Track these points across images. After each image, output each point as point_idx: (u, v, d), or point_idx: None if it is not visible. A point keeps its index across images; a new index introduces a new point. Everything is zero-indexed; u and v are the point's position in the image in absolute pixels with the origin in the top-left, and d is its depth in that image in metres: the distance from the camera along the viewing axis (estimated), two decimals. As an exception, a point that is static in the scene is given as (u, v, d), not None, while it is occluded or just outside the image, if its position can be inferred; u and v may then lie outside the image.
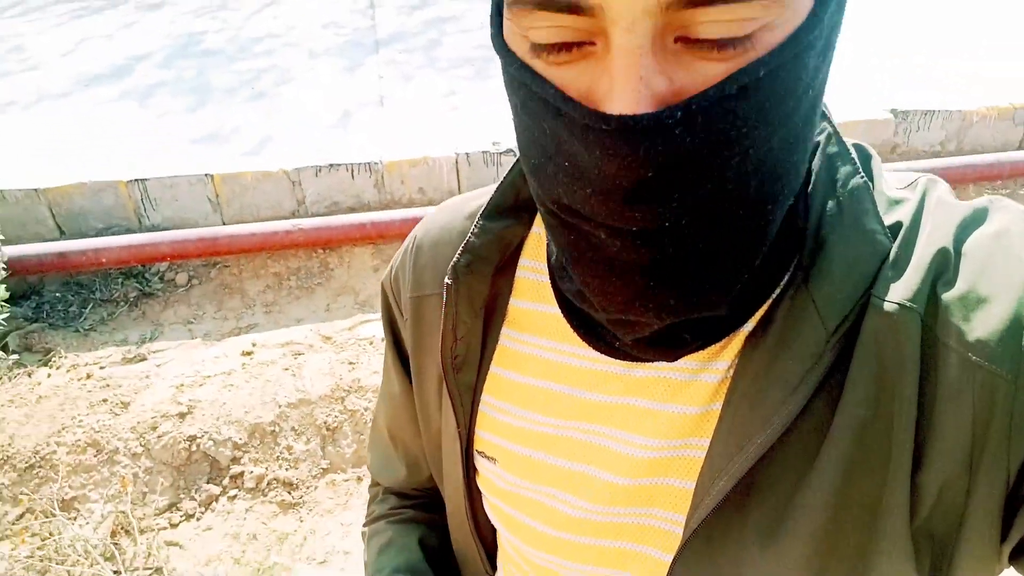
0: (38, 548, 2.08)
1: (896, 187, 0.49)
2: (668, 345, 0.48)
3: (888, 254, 0.45)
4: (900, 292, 0.43)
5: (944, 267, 0.44)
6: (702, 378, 0.49)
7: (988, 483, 0.42)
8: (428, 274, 0.62)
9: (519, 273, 0.59)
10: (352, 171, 3.15)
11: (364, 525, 0.81)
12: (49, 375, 2.61)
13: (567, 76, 0.38)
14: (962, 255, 0.44)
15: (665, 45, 0.36)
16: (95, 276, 3.02)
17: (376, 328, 2.76)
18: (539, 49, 0.38)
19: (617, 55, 0.35)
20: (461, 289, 0.56)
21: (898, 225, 0.46)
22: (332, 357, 2.60)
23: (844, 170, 0.47)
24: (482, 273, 0.57)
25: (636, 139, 0.35)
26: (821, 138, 0.48)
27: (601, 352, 0.52)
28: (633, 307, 0.42)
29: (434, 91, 3.89)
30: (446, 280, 0.56)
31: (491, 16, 0.44)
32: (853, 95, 3.66)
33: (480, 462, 0.61)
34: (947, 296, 0.43)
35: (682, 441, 0.50)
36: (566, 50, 0.38)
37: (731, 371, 0.48)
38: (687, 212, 0.38)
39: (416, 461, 0.75)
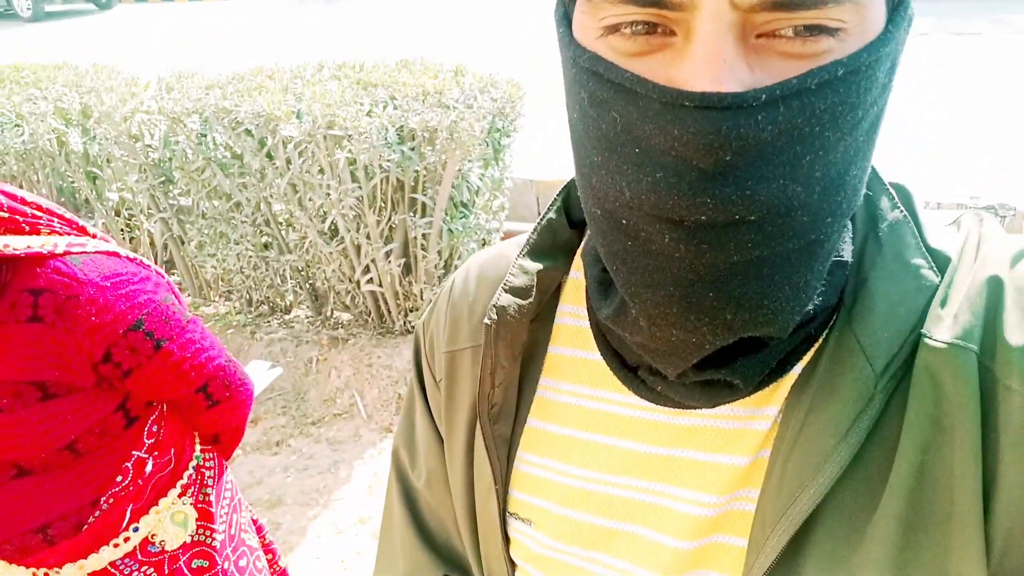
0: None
1: (940, 224, 0.47)
2: (713, 389, 0.45)
3: (936, 289, 0.42)
4: (952, 330, 0.41)
5: (999, 302, 0.41)
6: (753, 425, 0.46)
7: None
8: (464, 327, 0.59)
9: (558, 319, 0.56)
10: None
11: None
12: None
13: (641, 67, 0.38)
14: (1020, 287, 0.41)
15: (746, 38, 0.36)
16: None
17: None
18: (615, 29, 0.39)
19: (701, 41, 0.36)
20: (501, 330, 0.53)
21: (945, 259, 0.44)
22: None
23: (882, 205, 0.46)
24: (522, 314, 0.53)
25: (718, 117, 0.35)
26: None
27: (643, 397, 0.49)
28: (687, 320, 0.40)
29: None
30: (485, 321, 0.53)
31: (557, 18, 0.45)
32: None
33: (514, 526, 0.56)
34: (1007, 333, 0.40)
35: (732, 495, 0.46)
36: (645, 34, 0.38)
37: (780, 417, 0.45)
38: (755, 207, 0.37)
39: (452, 541, 0.64)
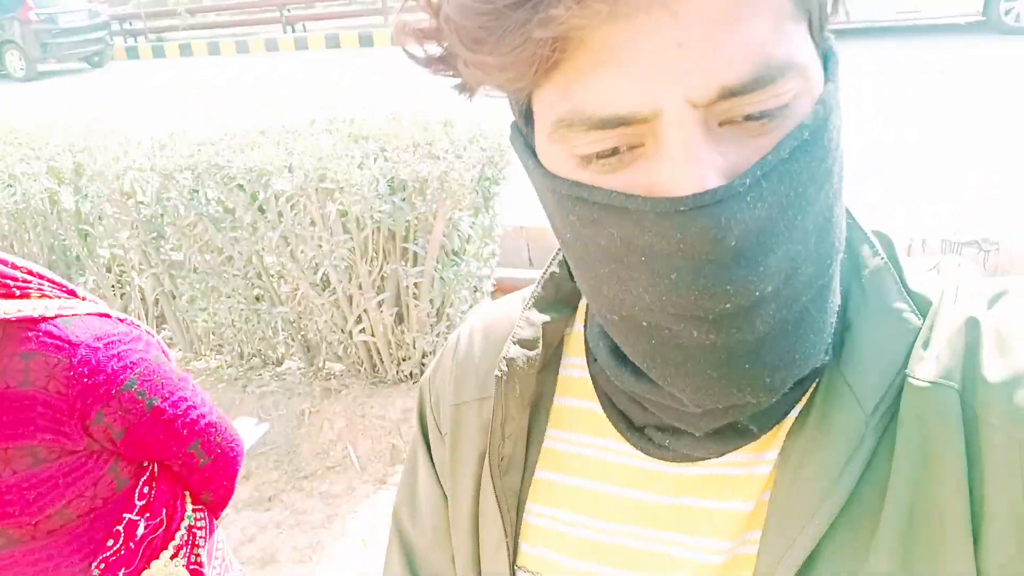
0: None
1: (921, 269, 0.49)
2: (721, 438, 0.47)
3: (918, 332, 0.44)
4: (934, 370, 0.43)
5: (977, 341, 0.43)
6: (756, 471, 0.48)
7: None
8: (471, 380, 0.60)
9: (563, 371, 0.58)
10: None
11: None
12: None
13: (618, 182, 0.40)
14: (997, 328, 0.43)
15: (710, 128, 0.38)
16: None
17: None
18: (588, 160, 0.40)
19: (672, 145, 0.38)
20: (511, 382, 0.54)
21: (926, 303, 0.46)
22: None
23: (864, 253, 0.48)
24: (530, 365, 0.55)
25: (714, 212, 0.37)
26: None
27: (650, 455, 0.50)
28: (730, 393, 0.42)
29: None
30: (496, 373, 0.55)
31: (519, 148, 0.46)
32: None
33: None
34: (986, 371, 0.42)
35: (738, 539, 0.48)
36: (616, 154, 0.39)
37: (778, 460, 0.47)
38: (770, 278, 0.39)
39: None
